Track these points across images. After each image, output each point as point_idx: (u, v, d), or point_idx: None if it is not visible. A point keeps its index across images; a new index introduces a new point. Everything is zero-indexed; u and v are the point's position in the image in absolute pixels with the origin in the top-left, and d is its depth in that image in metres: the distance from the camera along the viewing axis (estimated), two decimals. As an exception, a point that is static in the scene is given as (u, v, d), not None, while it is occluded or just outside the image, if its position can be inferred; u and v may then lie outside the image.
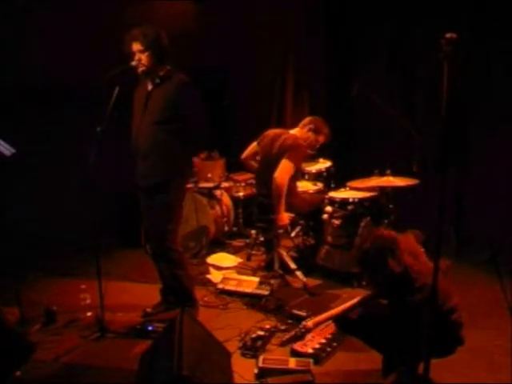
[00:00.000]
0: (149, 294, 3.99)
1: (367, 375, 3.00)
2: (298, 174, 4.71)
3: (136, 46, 3.43)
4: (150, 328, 3.49)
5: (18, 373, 2.89)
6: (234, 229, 5.62)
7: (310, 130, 4.51)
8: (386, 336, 2.70)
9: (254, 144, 4.70)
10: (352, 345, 3.22)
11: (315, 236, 4.69)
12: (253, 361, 3.14)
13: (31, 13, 4.72)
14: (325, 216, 4.44)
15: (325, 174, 5.13)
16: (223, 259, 4.97)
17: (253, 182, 5.24)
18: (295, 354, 3.19)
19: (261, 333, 3.42)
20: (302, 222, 4.87)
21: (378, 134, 5.53)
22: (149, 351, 2.98)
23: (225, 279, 4.33)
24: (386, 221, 4.30)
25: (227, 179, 5.63)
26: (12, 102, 4.68)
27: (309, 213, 4.59)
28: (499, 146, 4.64)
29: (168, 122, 3.46)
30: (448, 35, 2.03)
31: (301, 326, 3.07)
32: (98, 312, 3.52)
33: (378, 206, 4.42)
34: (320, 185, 4.96)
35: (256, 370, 3.01)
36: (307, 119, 4.61)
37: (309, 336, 3.21)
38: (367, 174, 4.43)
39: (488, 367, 3.05)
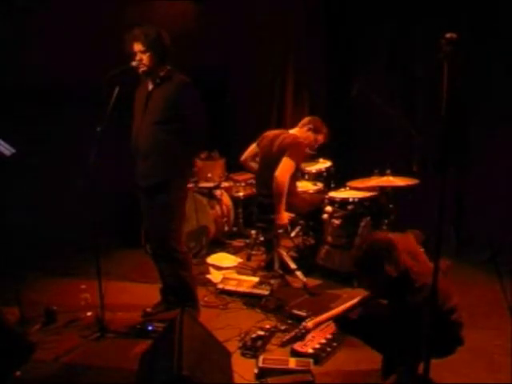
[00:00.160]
0: (149, 293, 3.99)
1: (367, 375, 3.00)
2: (298, 174, 4.72)
3: (137, 46, 3.43)
4: (150, 328, 3.49)
5: (18, 373, 2.89)
6: (234, 229, 5.62)
7: (309, 129, 4.52)
8: (386, 336, 2.70)
9: (254, 145, 4.71)
10: (352, 345, 3.22)
11: (315, 236, 4.69)
12: (253, 361, 3.14)
13: (31, 13, 4.72)
14: (325, 216, 4.44)
15: (325, 173, 5.14)
16: (223, 259, 4.97)
17: (253, 182, 5.24)
18: (295, 353, 3.19)
19: (261, 333, 3.42)
20: (301, 221, 4.88)
21: (378, 134, 5.53)
22: (149, 351, 2.98)
23: (225, 279, 4.33)
24: (386, 221, 4.30)
25: (227, 179, 5.63)
26: (12, 102, 4.67)
27: (309, 213, 4.59)
28: (499, 145, 4.64)
29: (168, 122, 3.46)
30: (448, 35, 2.03)
31: (301, 327, 3.08)
32: (98, 312, 3.52)
33: (378, 205, 4.42)
34: (320, 185, 4.97)
35: (256, 370, 3.01)
36: (306, 119, 4.63)
37: (309, 336, 3.21)
38: (367, 173, 4.43)
39: (488, 367, 3.05)
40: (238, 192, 5.57)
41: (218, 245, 5.32)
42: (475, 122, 4.78)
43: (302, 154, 4.41)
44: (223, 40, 5.86)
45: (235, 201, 5.58)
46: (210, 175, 5.47)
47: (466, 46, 2.27)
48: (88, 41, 4.83)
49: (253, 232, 5.10)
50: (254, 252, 5.07)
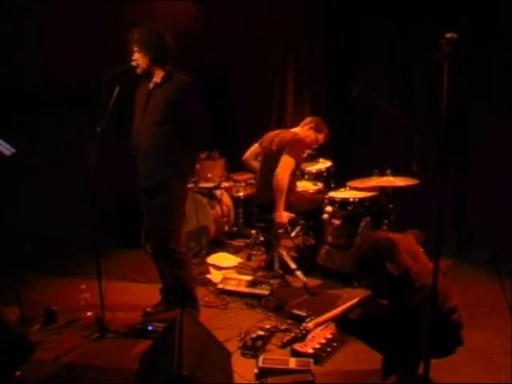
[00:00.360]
0: (149, 293, 3.99)
1: (367, 375, 3.00)
2: (298, 173, 4.72)
3: (134, 47, 3.46)
4: (150, 328, 3.49)
5: (18, 373, 2.89)
6: (234, 229, 5.62)
7: (310, 128, 4.53)
8: (386, 336, 2.70)
9: (256, 145, 4.72)
10: (352, 345, 3.22)
11: (315, 236, 4.69)
12: (253, 361, 3.14)
13: (31, 13, 4.72)
14: (325, 216, 4.44)
15: (325, 173, 5.14)
16: (223, 259, 4.97)
17: (253, 181, 5.24)
18: (295, 353, 3.18)
19: (261, 333, 3.42)
20: (302, 221, 4.88)
21: (378, 134, 5.53)
22: (149, 351, 2.98)
23: (225, 279, 4.33)
24: (385, 221, 4.31)
25: (227, 179, 5.63)
26: (12, 102, 4.67)
27: (309, 212, 4.59)
28: (499, 145, 4.64)
29: (168, 122, 3.46)
30: (448, 35, 2.03)
31: (301, 328, 3.08)
32: (98, 312, 3.52)
33: (378, 205, 4.42)
34: (320, 185, 4.97)
35: (256, 370, 3.01)
36: (308, 119, 4.65)
37: (309, 336, 3.21)
38: (367, 173, 4.43)
39: (488, 367, 3.04)
40: (238, 192, 5.57)
41: (218, 245, 5.32)
42: (475, 122, 4.77)
43: (302, 150, 4.42)
44: (223, 40, 5.86)
45: (235, 201, 5.58)
46: (210, 175, 5.47)
47: (465, 45, 2.27)
48: (88, 41, 4.83)
49: (253, 232, 5.10)
50: (254, 252, 5.07)
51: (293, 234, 4.99)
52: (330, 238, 4.43)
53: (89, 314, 3.75)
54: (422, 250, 2.90)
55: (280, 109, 6.09)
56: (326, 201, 4.49)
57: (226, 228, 5.48)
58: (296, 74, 6.02)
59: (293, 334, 3.23)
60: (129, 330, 3.53)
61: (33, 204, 4.88)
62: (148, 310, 3.77)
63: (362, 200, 4.40)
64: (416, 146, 4.80)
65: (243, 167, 5.12)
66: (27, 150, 3.82)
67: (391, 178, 4.27)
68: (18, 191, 4.78)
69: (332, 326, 3.29)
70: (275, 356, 3.15)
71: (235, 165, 5.46)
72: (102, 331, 3.49)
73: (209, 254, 5.07)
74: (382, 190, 4.39)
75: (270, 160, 4.37)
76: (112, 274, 4.41)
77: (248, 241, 5.30)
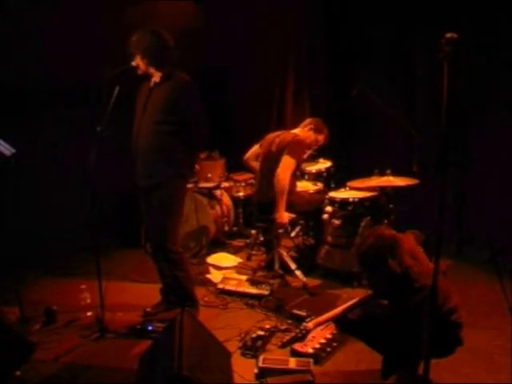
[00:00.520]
0: (149, 293, 3.99)
1: (367, 375, 3.00)
2: (298, 173, 4.72)
3: (133, 50, 3.49)
4: (150, 328, 3.49)
5: (18, 372, 2.89)
6: (234, 229, 5.62)
7: (310, 129, 4.53)
8: (386, 336, 2.70)
9: (257, 146, 4.72)
10: (352, 345, 3.22)
11: (315, 236, 4.69)
12: (253, 361, 3.14)
13: (31, 13, 4.72)
14: (325, 216, 4.44)
15: (325, 174, 5.14)
16: (223, 259, 4.97)
17: (253, 182, 5.24)
18: (295, 353, 3.18)
19: (261, 333, 3.42)
20: (302, 221, 4.88)
21: (378, 134, 5.53)
22: (149, 351, 2.98)
23: (225, 279, 4.33)
24: (385, 221, 4.30)
25: (227, 179, 5.64)
26: (12, 102, 4.67)
27: (309, 212, 4.59)
28: (499, 146, 4.64)
29: (167, 122, 3.46)
30: (448, 35, 2.03)
31: (301, 328, 3.07)
32: (98, 312, 3.52)
33: (378, 205, 4.41)
34: (320, 185, 4.97)
35: (256, 370, 3.01)
36: (308, 120, 4.66)
37: (309, 336, 3.21)
38: (367, 173, 4.43)
39: (488, 367, 3.04)
40: (238, 192, 5.57)
41: (218, 245, 5.32)
42: (475, 122, 4.77)
43: (302, 151, 4.42)
44: (223, 40, 5.86)
45: (235, 201, 5.58)
46: (210, 175, 5.47)
47: (466, 46, 2.27)
48: (88, 41, 4.82)
49: (253, 232, 5.11)
50: (254, 252, 5.07)
51: (293, 234, 4.99)
52: (330, 238, 4.43)
53: (89, 314, 3.75)
54: (421, 250, 2.90)
55: (280, 109, 6.09)
56: (326, 201, 4.49)
57: (226, 228, 5.48)
58: (296, 74, 6.02)
59: (293, 334, 3.23)
60: (129, 330, 3.53)
61: (33, 204, 4.88)
62: (148, 310, 3.77)
63: (362, 200, 4.40)
64: (416, 146, 4.80)
65: (243, 167, 5.12)
66: (27, 150, 3.82)
67: (391, 178, 4.27)
68: (18, 191, 4.78)
69: (332, 326, 3.30)
70: (275, 356, 3.15)
71: (235, 165, 5.46)
72: (102, 331, 3.49)
73: (209, 253, 5.07)
74: (382, 190, 4.39)
75: (271, 161, 4.37)
76: (112, 274, 4.41)
77: (248, 241, 5.30)
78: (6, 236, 4.37)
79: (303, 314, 3.61)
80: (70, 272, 4.61)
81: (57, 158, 4.87)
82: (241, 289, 4.14)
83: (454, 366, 2.91)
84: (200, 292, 4.06)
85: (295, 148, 4.30)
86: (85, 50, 4.80)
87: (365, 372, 3.04)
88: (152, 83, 3.57)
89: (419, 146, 4.59)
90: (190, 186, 5.00)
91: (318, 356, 3.14)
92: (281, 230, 4.45)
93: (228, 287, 4.19)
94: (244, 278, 4.32)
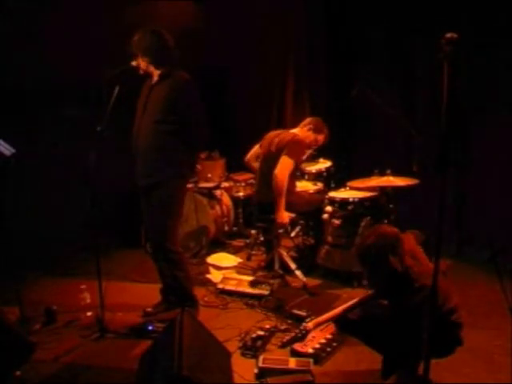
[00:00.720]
0: (149, 293, 3.99)
1: (367, 375, 3.00)
2: (297, 173, 4.72)
3: (134, 51, 3.49)
4: (150, 328, 3.50)
5: (18, 372, 2.89)
6: (234, 229, 5.63)
7: (310, 129, 4.52)
8: (386, 336, 2.70)
9: (257, 146, 4.72)
10: (352, 345, 3.22)
11: (315, 236, 4.69)
12: (253, 361, 3.14)
13: (31, 13, 4.72)
14: (325, 216, 4.44)
15: (325, 173, 5.14)
16: (223, 259, 4.97)
17: (253, 181, 5.24)
18: (295, 353, 3.18)
19: (261, 333, 3.42)
20: (302, 221, 4.88)
21: (378, 134, 5.53)
22: (149, 351, 2.98)
23: (225, 279, 4.33)
24: (385, 221, 4.30)
25: (227, 179, 5.64)
26: (12, 102, 4.67)
27: (309, 212, 4.59)
28: (499, 146, 4.64)
29: (166, 121, 3.46)
30: (448, 35, 2.02)
31: (301, 328, 3.07)
32: (98, 312, 3.52)
33: (378, 205, 4.41)
34: (320, 185, 4.97)
35: (256, 370, 3.01)
36: (307, 119, 4.64)
37: (309, 336, 3.21)
38: (367, 173, 4.43)
39: (488, 367, 3.04)
40: (238, 192, 5.58)
41: (218, 245, 5.32)
42: (475, 121, 4.77)
43: (301, 152, 4.42)
44: (223, 40, 5.86)
45: (235, 201, 5.58)
46: (210, 175, 5.47)
47: (466, 45, 2.26)
48: (88, 41, 4.82)
49: (253, 232, 5.11)
50: (254, 252, 5.07)
51: (293, 234, 5.00)
52: (330, 238, 4.43)
53: (89, 314, 3.75)
54: (421, 250, 2.90)
55: (280, 109, 6.09)
56: (326, 201, 4.49)
57: (226, 228, 5.48)
58: (296, 74, 6.02)
59: (293, 334, 3.23)
60: (129, 330, 3.53)
61: (33, 204, 4.88)
62: (148, 310, 3.77)
63: (362, 200, 4.40)
64: (416, 146, 4.80)
65: (243, 167, 5.12)
66: (27, 150, 3.82)
67: (391, 178, 4.27)
68: (18, 191, 4.78)
69: (332, 326, 3.30)
70: (275, 356, 3.15)
71: (235, 165, 5.46)
72: (102, 331, 3.49)
73: (209, 253, 5.07)
74: (382, 190, 4.39)
75: (270, 160, 4.37)
76: (112, 274, 4.42)
77: (248, 241, 5.30)
78: (6, 236, 4.36)
79: (303, 313, 3.62)
80: (70, 272, 4.61)
81: (57, 158, 4.87)
82: (241, 289, 4.14)
83: (454, 366, 2.91)
84: (200, 292, 4.06)
85: (294, 148, 4.30)
86: (85, 49, 4.80)
87: (365, 372, 3.04)
88: (152, 82, 3.57)
89: (419, 145, 4.59)
90: (189, 185, 5.00)
91: (318, 356, 3.15)
92: (281, 230, 4.45)
93: (228, 287, 4.19)
94: (244, 278, 4.33)
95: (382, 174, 4.33)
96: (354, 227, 4.28)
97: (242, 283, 4.20)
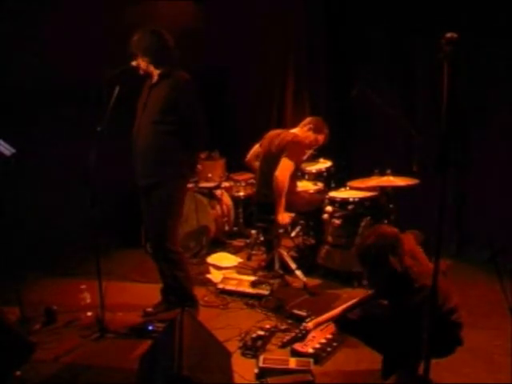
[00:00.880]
0: (149, 293, 4.00)
1: (367, 375, 3.00)
2: (298, 173, 4.72)
3: (134, 51, 3.49)
4: (150, 328, 3.50)
5: (18, 372, 2.89)
6: (235, 228, 5.63)
7: (309, 129, 4.52)
8: (386, 336, 2.70)
9: (257, 146, 4.72)
10: (352, 345, 3.22)
11: (315, 236, 4.69)
12: (253, 361, 3.15)
13: (31, 13, 4.72)
14: (325, 216, 4.44)
15: (325, 173, 5.14)
16: (223, 259, 4.97)
17: (253, 181, 5.24)
18: (295, 353, 3.18)
19: (261, 333, 3.42)
20: (302, 221, 4.88)
21: (378, 134, 5.53)
22: (149, 351, 2.98)
23: (225, 279, 4.33)
24: (386, 221, 4.30)
25: (227, 179, 5.64)
26: (12, 102, 4.67)
27: (309, 212, 4.59)
28: (499, 145, 4.64)
29: (165, 121, 3.46)
30: (448, 35, 2.02)
31: (301, 328, 3.07)
32: (98, 312, 3.52)
33: (378, 205, 4.42)
34: (320, 185, 4.97)
35: (256, 370, 3.01)
36: (307, 119, 4.63)
37: (309, 336, 3.21)
38: (367, 173, 4.43)
39: (488, 367, 3.05)
40: (238, 192, 5.58)
41: (219, 244, 5.32)
42: (475, 121, 4.77)
43: (302, 152, 4.41)
44: (223, 40, 5.86)
45: (235, 201, 5.58)
46: (210, 175, 5.48)
47: (466, 46, 2.26)
48: (88, 41, 4.82)
49: (253, 232, 5.11)
50: (254, 252, 5.07)
51: (293, 234, 5.00)
52: (330, 238, 4.43)
53: (89, 313, 3.75)
54: (421, 250, 2.90)
55: (280, 109, 6.09)
56: (327, 201, 4.49)
57: (227, 228, 5.48)
58: (296, 73, 6.02)
59: (293, 334, 3.23)
60: (129, 330, 3.53)
61: (33, 204, 4.88)
62: (148, 309, 3.77)
63: (362, 200, 4.40)
64: (416, 146, 4.80)
65: (243, 167, 5.12)
66: (27, 150, 3.82)
67: (391, 178, 4.27)
68: (18, 191, 4.77)
69: (332, 326, 3.29)
70: (275, 356, 3.15)
71: (235, 165, 5.46)
72: (102, 331, 3.49)
73: (209, 253, 5.07)
74: (382, 189, 4.39)
75: (270, 161, 4.36)
76: (112, 273, 4.42)
77: (248, 241, 5.30)
78: (6, 236, 4.37)
79: (303, 313, 3.62)
80: (70, 272, 4.61)
81: (57, 158, 4.87)
82: (241, 289, 4.14)
83: (454, 366, 2.91)
84: (200, 292, 4.06)
85: (294, 149, 4.29)
86: (85, 49, 4.80)
87: (365, 372, 3.04)
88: (152, 82, 3.57)
89: (419, 145, 4.59)
90: (190, 185, 5.00)
91: (318, 356, 3.15)
92: (281, 230, 4.45)
93: (228, 287, 4.20)
94: (245, 277, 4.33)
95: (382, 173, 4.33)
96: (354, 227, 4.28)
97: (243, 283, 4.20)
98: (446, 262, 4.28)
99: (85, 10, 4.89)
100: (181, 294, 3.68)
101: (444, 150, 2.03)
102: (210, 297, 4.13)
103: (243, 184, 5.57)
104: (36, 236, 4.70)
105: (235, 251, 5.22)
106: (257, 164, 4.76)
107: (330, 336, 3.34)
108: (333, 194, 4.56)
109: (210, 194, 5.38)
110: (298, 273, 4.32)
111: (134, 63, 3.51)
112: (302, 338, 3.14)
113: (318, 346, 3.24)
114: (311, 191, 4.81)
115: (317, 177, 5.13)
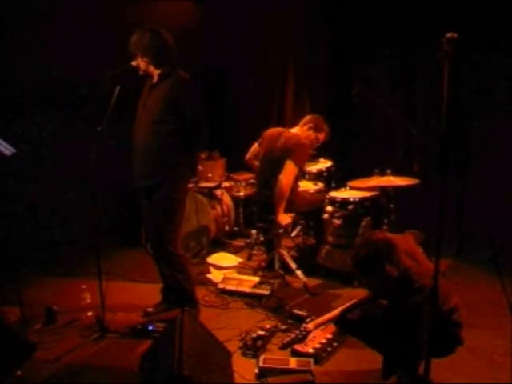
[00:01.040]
0: (149, 293, 3.99)
1: (367, 375, 3.00)
2: (300, 174, 4.72)
3: (134, 50, 3.48)
4: (150, 328, 3.49)
5: (19, 372, 2.89)
6: (235, 228, 5.63)
7: (310, 128, 4.51)
8: (386, 337, 2.70)
9: (256, 145, 4.71)
10: (353, 345, 3.22)
11: (316, 236, 4.70)
12: (253, 361, 3.14)
13: (31, 13, 4.72)
14: (325, 216, 4.44)
15: (325, 173, 5.14)
16: (224, 259, 4.97)
17: (253, 181, 5.25)
18: (296, 353, 3.18)
19: (261, 332, 3.42)
20: (302, 221, 4.88)
21: (378, 134, 5.53)
22: (149, 351, 2.98)
23: (225, 279, 4.33)
24: (386, 221, 4.31)
25: (228, 179, 5.64)
26: (12, 102, 4.67)
27: (309, 212, 4.59)
28: (499, 145, 4.64)
29: (165, 121, 3.45)
30: (448, 35, 2.03)
31: (301, 329, 3.07)
32: (99, 312, 3.52)
33: (378, 205, 4.42)
34: (321, 184, 4.97)
35: (257, 370, 3.01)
36: (307, 118, 4.62)
37: (309, 336, 3.21)
38: (367, 173, 4.43)
39: (488, 367, 3.04)
40: (238, 192, 5.58)
41: (219, 244, 5.33)
42: (475, 121, 4.77)
43: (306, 155, 4.42)
44: (223, 40, 5.85)
45: (236, 200, 5.58)
46: (210, 175, 5.48)
47: (466, 45, 2.27)
48: (88, 41, 4.82)
49: (253, 232, 5.11)
50: (254, 252, 5.07)
51: (293, 234, 5.00)
52: (330, 238, 4.43)
53: (89, 314, 3.75)
54: (421, 250, 2.90)
55: (280, 109, 6.09)
56: (327, 200, 4.49)
57: (227, 228, 5.48)
58: (296, 73, 6.02)
59: (293, 336, 3.23)
60: (129, 330, 3.53)
61: (33, 204, 4.88)
62: (148, 309, 3.77)
63: (362, 200, 4.40)
64: (416, 146, 4.80)
65: (243, 167, 5.12)
66: (27, 150, 3.82)
67: (391, 178, 4.27)
68: (18, 191, 4.78)
69: (332, 326, 3.30)
70: (276, 356, 3.15)
71: (235, 164, 5.46)
72: (103, 331, 3.49)
73: (209, 253, 5.07)
74: (383, 189, 4.39)
75: (273, 162, 4.35)
76: (112, 273, 4.41)
77: (248, 241, 5.30)
78: (6, 236, 4.37)
79: (303, 313, 3.62)
80: (70, 272, 4.61)
81: (57, 158, 4.87)
82: (241, 289, 4.14)
83: (454, 366, 2.91)
84: (200, 292, 4.06)
85: (300, 153, 4.28)
86: (85, 49, 4.80)
87: (365, 372, 3.04)
88: (152, 82, 3.57)
89: (419, 145, 4.59)
90: (190, 185, 4.99)
91: (319, 356, 3.14)
92: (281, 230, 4.45)
93: (228, 287, 4.20)
94: (245, 277, 4.33)
95: (382, 173, 4.33)
96: (354, 227, 4.28)
97: (243, 283, 4.20)
98: (446, 262, 4.29)
99: (85, 10, 4.88)
100: (181, 295, 3.67)
101: (444, 149, 2.03)
102: (211, 297, 4.13)
103: (243, 184, 5.57)
104: (36, 236, 4.70)
105: (235, 251, 5.22)
106: (257, 163, 4.75)
107: (330, 336, 3.33)
108: (333, 193, 4.56)
109: (210, 193, 5.38)
110: (299, 273, 4.32)
111: (133, 63, 3.50)
112: (302, 338, 3.14)
113: (318, 346, 3.24)
114: (311, 191, 4.81)
115: (317, 177, 5.13)
